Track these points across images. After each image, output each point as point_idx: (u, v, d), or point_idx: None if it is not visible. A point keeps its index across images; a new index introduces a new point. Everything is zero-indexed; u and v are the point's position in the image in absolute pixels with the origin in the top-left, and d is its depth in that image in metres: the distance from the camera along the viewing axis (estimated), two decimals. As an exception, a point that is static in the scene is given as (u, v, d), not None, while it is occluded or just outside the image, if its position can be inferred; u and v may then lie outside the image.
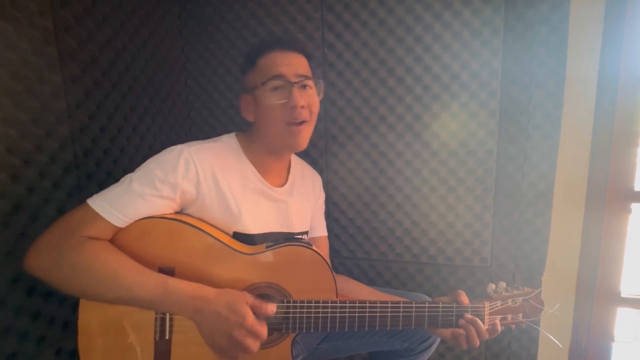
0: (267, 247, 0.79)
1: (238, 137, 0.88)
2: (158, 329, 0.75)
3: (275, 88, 0.81)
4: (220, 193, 0.80)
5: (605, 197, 1.08)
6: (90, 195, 0.73)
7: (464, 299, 0.83)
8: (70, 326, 0.88)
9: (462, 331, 0.81)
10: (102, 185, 0.75)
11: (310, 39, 1.17)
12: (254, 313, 0.69)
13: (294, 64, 0.82)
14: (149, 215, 0.74)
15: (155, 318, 0.75)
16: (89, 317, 0.74)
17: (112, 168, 0.99)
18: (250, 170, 0.85)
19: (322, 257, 0.79)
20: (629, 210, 1.09)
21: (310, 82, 0.84)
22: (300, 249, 0.79)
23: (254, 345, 0.68)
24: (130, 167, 0.79)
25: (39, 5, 0.79)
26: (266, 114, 0.82)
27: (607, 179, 1.07)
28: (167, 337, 0.75)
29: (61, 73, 0.84)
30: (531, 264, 1.13)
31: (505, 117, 1.08)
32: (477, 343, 0.80)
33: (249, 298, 0.70)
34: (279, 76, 0.80)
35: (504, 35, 1.04)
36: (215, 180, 0.79)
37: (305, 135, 0.84)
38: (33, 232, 0.78)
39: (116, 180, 0.75)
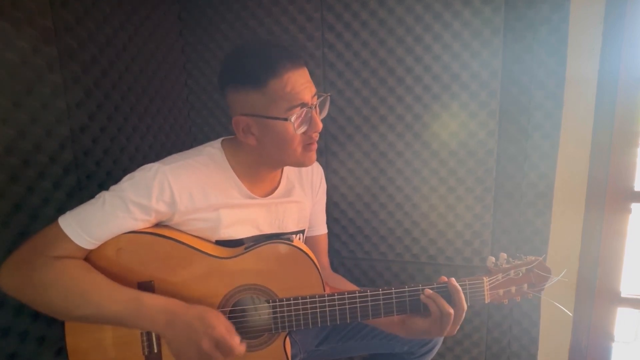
0: (245, 248, 0.77)
1: (224, 145, 0.83)
2: (145, 343, 0.74)
3: (297, 118, 0.73)
4: (197, 209, 0.77)
5: (605, 197, 1.08)
6: (89, 196, 0.73)
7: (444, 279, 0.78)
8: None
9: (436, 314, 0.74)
10: (102, 185, 0.75)
11: (310, 39, 1.17)
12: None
13: (307, 82, 0.75)
14: (121, 233, 0.72)
15: (141, 333, 0.74)
16: (76, 337, 0.73)
17: (112, 168, 0.99)
18: (235, 184, 0.81)
19: (304, 252, 0.77)
20: (629, 210, 1.09)
21: (325, 103, 0.81)
22: (280, 246, 0.76)
23: (218, 355, 0.67)
24: (131, 167, 0.79)
25: (39, 5, 0.79)
26: (283, 143, 0.75)
27: (607, 179, 1.07)
28: (155, 351, 0.74)
29: (61, 73, 0.84)
30: (531, 264, 1.13)
31: (505, 117, 1.08)
32: (451, 315, 0.73)
33: (221, 315, 0.69)
34: (302, 104, 0.73)
35: (504, 35, 1.04)
36: (192, 198, 0.76)
37: (316, 147, 0.81)
38: (33, 232, 0.78)
39: (116, 180, 0.75)
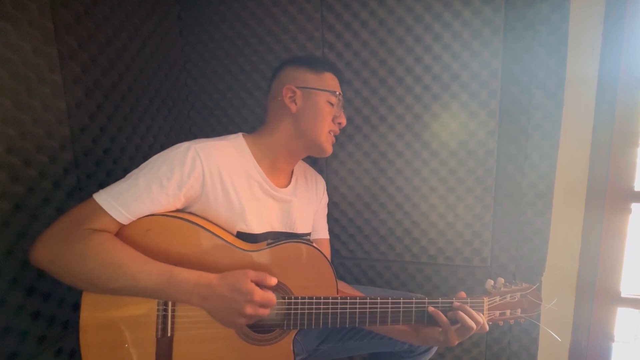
0: (267, 244, 0.80)
1: (245, 137, 0.89)
2: (160, 326, 0.75)
3: (332, 103, 0.91)
4: (224, 191, 0.80)
5: (605, 197, 1.08)
6: (90, 195, 0.73)
7: (462, 294, 0.85)
8: (70, 326, 0.88)
9: (450, 326, 0.80)
10: (102, 185, 0.75)
11: (310, 39, 1.17)
12: (259, 285, 0.72)
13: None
14: (152, 212, 0.74)
15: (157, 315, 0.75)
16: (90, 314, 0.74)
17: (112, 168, 0.99)
18: (256, 169, 0.86)
19: (322, 254, 0.80)
20: (629, 210, 1.09)
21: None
22: (301, 245, 0.79)
23: (265, 312, 0.73)
24: (130, 167, 0.79)
25: (39, 5, 0.79)
26: (319, 116, 0.89)
27: (607, 179, 1.07)
28: (168, 335, 0.75)
29: (61, 73, 0.84)
30: (531, 264, 1.13)
31: (505, 117, 1.08)
32: (473, 328, 0.78)
33: (251, 273, 0.72)
34: (340, 95, 0.93)
35: (504, 35, 1.04)
36: (221, 178, 0.79)
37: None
38: (33, 232, 0.78)
39: (116, 180, 0.75)
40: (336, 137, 1.18)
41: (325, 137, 0.91)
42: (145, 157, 0.77)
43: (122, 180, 0.74)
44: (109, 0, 0.97)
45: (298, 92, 0.88)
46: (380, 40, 1.12)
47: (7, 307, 0.76)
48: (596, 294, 1.13)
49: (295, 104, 0.88)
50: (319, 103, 0.89)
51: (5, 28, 0.73)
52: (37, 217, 0.81)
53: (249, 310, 0.70)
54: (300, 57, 1.01)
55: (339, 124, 0.94)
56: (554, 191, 1.09)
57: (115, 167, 1.00)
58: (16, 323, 0.78)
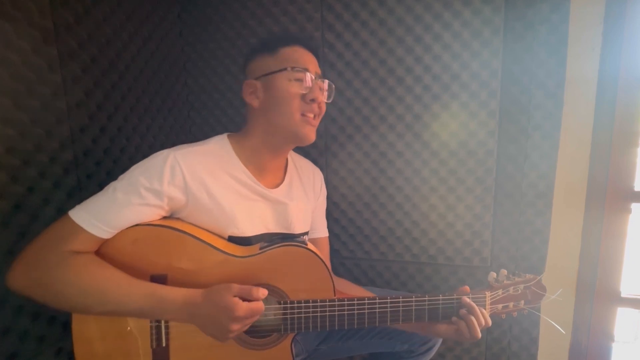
0: (260, 248, 0.78)
1: (230, 138, 0.86)
2: (154, 337, 0.74)
3: (297, 79, 0.81)
4: (211, 197, 0.77)
5: (605, 197, 1.08)
6: (90, 195, 0.73)
7: (466, 289, 0.83)
8: (70, 326, 0.88)
9: (462, 323, 0.79)
10: (102, 185, 0.74)
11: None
12: (245, 299, 0.68)
13: (314, 63, 0.85)
14: (135, 223, 0.72)
15: (151, 326, 0.74)
16: (83, 325, 0.73)
17: (112, 168, 0.99)
18: (242, 172, 0.83)
19: (317, 255, 0.78)
20: (629, 210, 1.09)
21: (324, 85, 0.87)
22: (295, 248, 0.77)
23: (251, 321, 0.70)
24: (130, 167, 0.79)
25: (39, 5, 0.79)
26: (282, 101, 0.81)
27: (607, 179, 1.07)
28: (164, 345, 0.74)
29: (61, 73, 0.84)
30: (531, 264, 1.13)
31: (505, 117, 1.08)
32: (478, 333, 0.77)
33: (235, 288, 0.69)
34: (304, 69, 0.81)
35: (504, 35, 1.04)
36: (205, 185, 0.77)
37: (315, 129, 0.86)
38: (33, 232, 0.78)
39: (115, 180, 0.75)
40: (336, 137, 1.20)
41: (297, 121, 0.81)
42: (145, 157, 0.77)
43: (100, 194, 0.71)
44: (109, 0, 0.97)
45: (258, 84, 0.82)
46: (380, 40, 1.12)
47: (7, 307, 0.76)
48: (596, 294, 1.13)
49: (258, 97, 0.83)
50: (280, 86, 0.80)
51: (5, 28, 0.73)
52: (37, 217, 0.81)
53: (234, 326, 0.67)
54: (256, 43, 0.92)
55: (312, 100, 0.82)
56: (554, 191, 1.08)
57: (115, 167, 1.00)
58: (16, 323, 0.78)
